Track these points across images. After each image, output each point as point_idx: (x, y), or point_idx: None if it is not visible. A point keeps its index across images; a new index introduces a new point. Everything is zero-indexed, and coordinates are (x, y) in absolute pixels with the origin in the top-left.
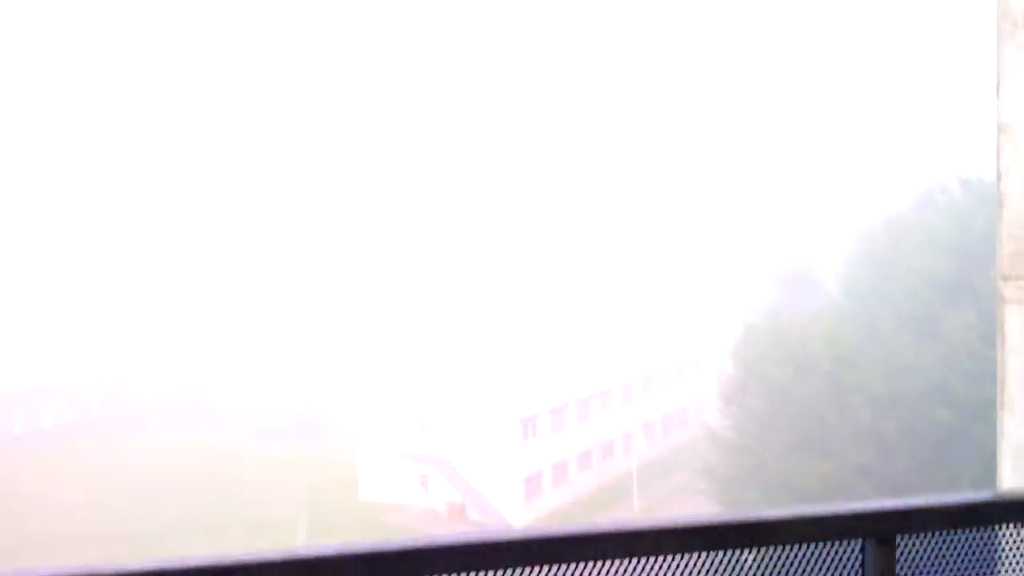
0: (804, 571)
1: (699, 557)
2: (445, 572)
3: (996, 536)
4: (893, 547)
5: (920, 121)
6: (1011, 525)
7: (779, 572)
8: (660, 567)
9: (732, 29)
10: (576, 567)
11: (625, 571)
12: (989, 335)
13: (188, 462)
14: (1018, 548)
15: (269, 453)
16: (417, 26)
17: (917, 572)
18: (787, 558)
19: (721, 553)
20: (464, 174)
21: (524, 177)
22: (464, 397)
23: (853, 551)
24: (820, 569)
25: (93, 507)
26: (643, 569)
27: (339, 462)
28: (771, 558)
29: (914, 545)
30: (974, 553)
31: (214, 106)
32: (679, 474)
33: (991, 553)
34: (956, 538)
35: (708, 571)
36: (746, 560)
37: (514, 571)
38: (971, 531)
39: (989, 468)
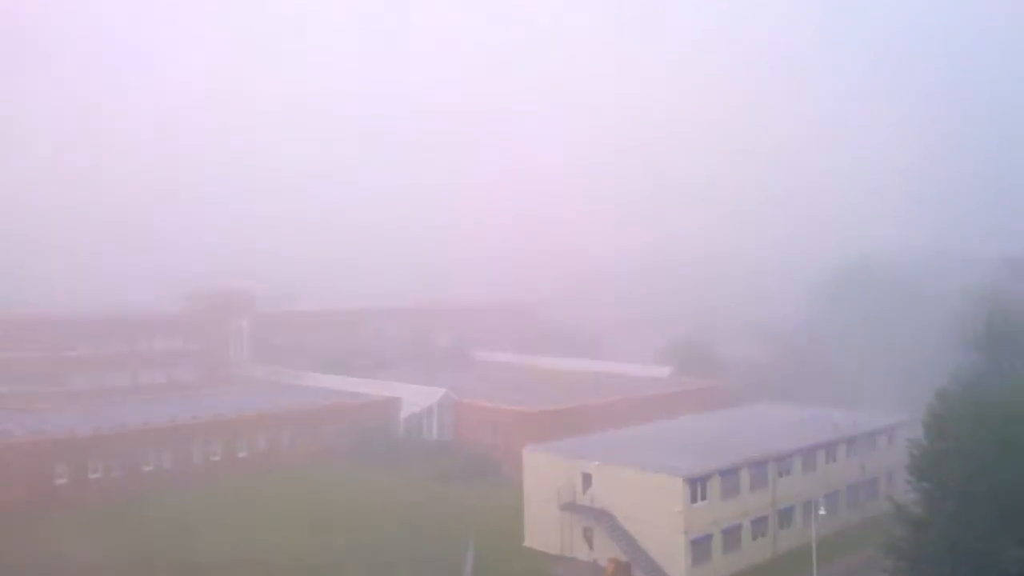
0: None
1: None
2: None
3: None
4: None
5: None
6: None
7: None
8: None
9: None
10: None
11: None
12: None
13: (371, 498)
14: None
15: (447, 492)
16: None
17: None
18: None
19: None
20: None
21: None
22: (633, 452)
23: None
24: None
25: (277, 538)
26: None
27: (510, 507)
28: None
29: None
30: None
31: None
32: (864, 550)
33: None
34: None
35: None
36: None
37: None
38: None
39: None
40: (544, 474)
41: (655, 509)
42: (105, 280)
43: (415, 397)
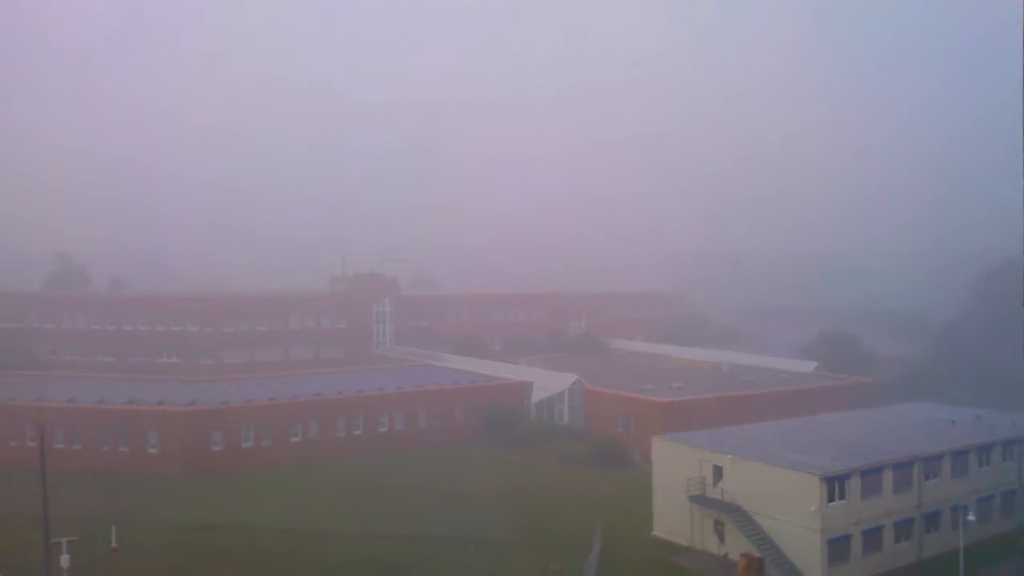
0: None
1: None
2: None
3: None
4: None
5: None
6: None
7: None
8: None
9: None
10: None
11: None
12: None
13: (500, 478)
14: None
15: (575, 477)
16: None
17: None
18: None
19: None
20: None
21: None
22: (768, 447)
23: None
24: None
25: (408, 513)
26: None
27: (639, 495)
28: None
29: None
30: None
31: None
32: (1014, 560)
33: None
34: None
35: None
36: None
37: None
38: None
39: None
40: (674, 464)
41: (790, 506)
42: (262, 261)
43: (547, 382)
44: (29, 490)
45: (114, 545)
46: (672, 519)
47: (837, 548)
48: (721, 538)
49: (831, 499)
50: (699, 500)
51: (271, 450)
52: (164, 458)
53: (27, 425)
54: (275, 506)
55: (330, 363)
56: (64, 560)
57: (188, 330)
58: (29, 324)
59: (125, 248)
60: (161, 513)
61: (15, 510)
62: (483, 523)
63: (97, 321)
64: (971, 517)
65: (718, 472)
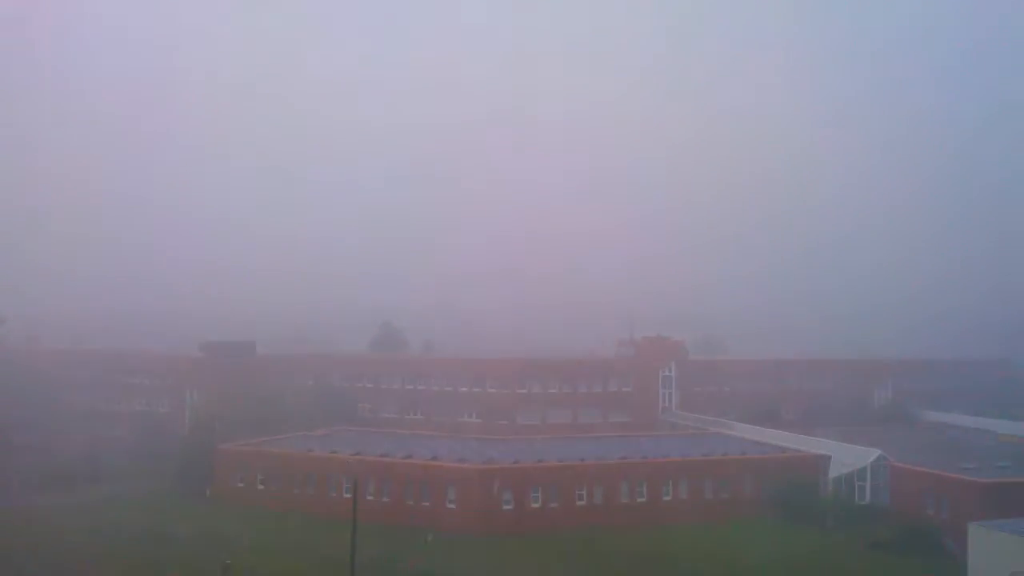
0: None
1: None
2: None
3: None
4: None
5: None
6: None
7: None
8: None
9: None
10: None
11: None
12: None
13: (795, 559)
14: None
15: (885, 563)
16: None
17: None
18: None
19: None
20: None
21: None
22: None
23: None
24: None
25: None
26: None
27: None
28: None
29: None
30: None
31: None
32: None
33: None
34: None
35: None
36: None
37: None
38: None
39: None
40: (994, 555)
41: None
42: (551, 326)
43: (846, 456)
44: (341, 538)
45: None
46: None
47: None
48: None
49: None
50: None
51: (557, 512)
52: (460, 513)
53: (344, 476)
54: (561, 571)
55: (617, 427)
56: None
57: (487, 391)
58: (355, 383)
59: (439, 314)
60: (455, 567)
61: (328, 555)
62: None
63: (410, 381)
64: None
65: None
